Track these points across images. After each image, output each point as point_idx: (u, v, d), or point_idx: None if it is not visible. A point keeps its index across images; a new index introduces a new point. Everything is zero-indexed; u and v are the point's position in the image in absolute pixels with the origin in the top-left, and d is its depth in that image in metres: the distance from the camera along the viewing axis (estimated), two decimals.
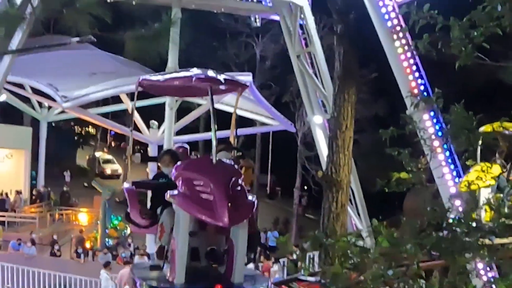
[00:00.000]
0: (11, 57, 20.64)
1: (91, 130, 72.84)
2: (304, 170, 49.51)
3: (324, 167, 25.67)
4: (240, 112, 39.88)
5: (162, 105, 30.15)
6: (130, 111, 36.85)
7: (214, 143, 9.92)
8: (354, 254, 6.37)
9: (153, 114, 37.24)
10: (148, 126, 35.90)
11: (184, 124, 33.38)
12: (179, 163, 10.67)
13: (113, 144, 77.48)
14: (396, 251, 5.62)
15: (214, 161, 9.91)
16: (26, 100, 46.20)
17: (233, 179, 10.01)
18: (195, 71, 10.55)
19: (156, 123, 35.81)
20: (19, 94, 42.81)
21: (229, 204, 9.49)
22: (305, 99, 29.41)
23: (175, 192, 10.03)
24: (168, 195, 10.01)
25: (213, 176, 9.82)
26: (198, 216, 9.75)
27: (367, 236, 6.72)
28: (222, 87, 10.91)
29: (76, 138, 72.13)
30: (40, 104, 46.99)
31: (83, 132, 74.60)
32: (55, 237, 36.53)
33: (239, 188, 10.04)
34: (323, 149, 27.90)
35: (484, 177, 8.63)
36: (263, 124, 41.53)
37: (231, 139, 12.13)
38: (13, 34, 16.91)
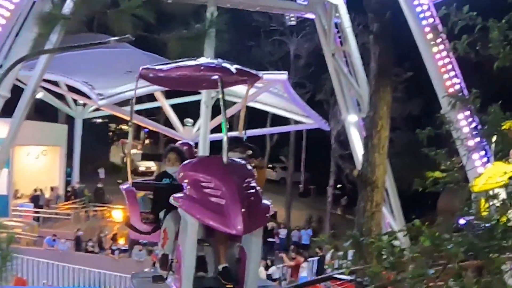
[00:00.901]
0: (48, 55, 20.84)
1: (125, 127, 73.23)
2: (338, 169, 49.44)
3: (357, 165, 25.76)
4: (274, 110, 40.11)
5: (197, 103, 30.27)
6: (164, 109, 37.11)
7: (225, 139, 8.69)
8: (391, 253, 6.41)
9: (188, 112, 37.44)
10: (183, 124, 36.05)
11: (219, 122, 33.40)
12: (185, 162, 9.59)
13: (147, 141, 77.87)
14: (435, 250, 5.65)
15: (225, 160, 8.68)
16: (61, 97, 46.59)
17: (246, 181, 8.89)
18: (203, 60, 9.45)
19: (191, 120, 35.91)
20: (54, 92, 43.14)
21: (243, 209, 8.37)
22: (340, 97, 29.39)
23: (181, 194, 8.93)
24: (172, 198, 8.94)
25: (225, 178, 8.67)
26: (208, 222, 8.61)
27: (404, 235, 6.75)
28: (233, 77, 9.52)
29: (110, 135, 72.64)
30: (75, 101, 47.33)
31: (117, 130, 74.99)
32: (88, 233, 36.86)
33: (253, 191, 8.88)
34: (357, 148, 27.88)
35: (499, 176, 8.61)
36: (297, 122, 41.51)
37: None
38: (51, 33, 17.09)
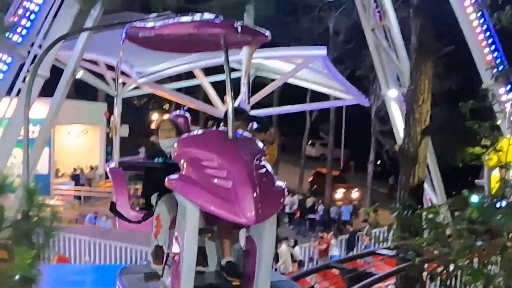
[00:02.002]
0: (87, 34, 20.90)
1: (165, 105, 73.40)
2: (378, 145, 49.24)
3: (398, 141, 25.58)
4: (314, 87, 39.99)
5: (236, 80, 30.23)
6: (203, 86, 37.13)
7: (230, 109, 7.19)
8: (434, 227, 6.35)
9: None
10: (222, 101, 36.07)
11: (258, 99, 33.39)
12: (182, 136, 7.96)
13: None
14: (481, 222, 5.58)
15: (230, 134, 7.19)
16: (100, 76, 46.83)
17: (257, 158, 7.30)
18: (199, 15, 7.58)
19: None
20: (93, 71, 43.34)
21: (254, 193, 6.78)
22: (380, 73, 29.14)
23: (177, 176, 7.26)
24: (167, 180, 7.28)
25: (231, 155, 7.10)
26: (211, 209, 6.89)
27: (448, 209, 6.69)
28: (238, 36, 7.68)
29: (150, 113, 72.86)
30: (114, 80, 47.48)
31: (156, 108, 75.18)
32: None
33: (264, 170, 7.28)
34: (397, 123, 27.66)
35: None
36: (336, 98, 41.35)
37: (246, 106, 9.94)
38: (91, 10, 17.11)
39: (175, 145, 7.61)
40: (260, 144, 7.71)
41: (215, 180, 6.97)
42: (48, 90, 21.15)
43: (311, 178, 55.67)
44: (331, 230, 33.12)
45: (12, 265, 5.73)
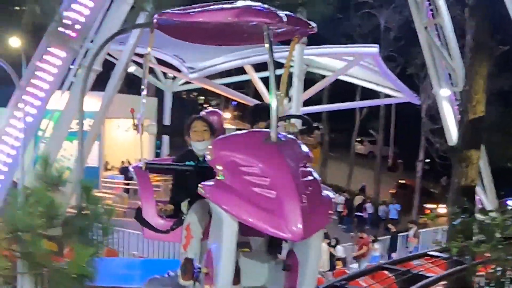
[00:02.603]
0: (140, 29, 21.01)
1: (214, 100, 73.79)
2: (428, 143, 48.81)
3: (448, 140, 25.36)
4: (364, 84, 39.81)
5: (289, 76, 30.21)
6: (254, 82, 37.11)
7: (274, 107, 6.18)
8: (488, 232, 6.26)
9: (277, 85, 37.32)
10: None
11: (309, 95, 33.33)
12: (218, 138, 6.98)
13: (236, 114, 78.33)
14: None
15: (273, 137, 6.20)
16: (151, 70, 47.04)
17: (302, 164, 6.37)
18: (242, 2, 6.74)
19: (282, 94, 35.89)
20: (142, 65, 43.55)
21: (302, 204, 5.86)
22: (432, 71, 28.83)
23: (212, 182, 6.34)
24: (201, 186, 6.38)
25: (275, 160, 6.12)
26: (253, 223, 5.95)
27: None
28: (283, 26, 6.84)
29: (199, 108, 73.23)
30: (164, 74, 47.74)
31: (205, 102, 75.59)
32: None
33: (311, 178, 6.33)
34: (449, 122, 27.37)
35: None
36: (387, 96, 41.12)
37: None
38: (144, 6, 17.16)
39: (210, 147, 6.68)
40: (306, 148, 6.72)
41: (256, 189, 6.01)
42: (99, 84, 21.32)
43: (393, 190, 54.04)
44: (375, 229, 32.90)
45: (62, 260, 5.78)
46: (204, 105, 74.92)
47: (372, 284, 16.44)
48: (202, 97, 75.08)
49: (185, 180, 7.72)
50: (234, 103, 69.88)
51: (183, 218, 7.51)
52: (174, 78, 47.41)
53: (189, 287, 7.29)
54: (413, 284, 13.84)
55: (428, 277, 14.93)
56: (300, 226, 5.78)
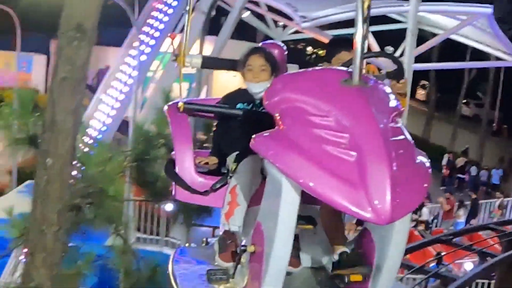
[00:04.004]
0: None
1: (321, 52, 73.67)
2: None
3: None
4: (475, 45, 39.13)
5: (398, 31, 30.05)
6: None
7: (359, 38, 4.16)
8: None
9: (388, 40, 37.17)
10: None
11: (419, 52, 33.03)
12: (281, 76, 5.02)
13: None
14: None
15: (356, 78, 4.24)
16: (261, 17, 47.19)
17: (392, 119, 4.39)
18: None
19: (391, 48, 35.63)
20: (254, 12, 43.71)
21: (392, 174, 3.97)
22: None
23: (270, 134, 4.42)
24: (254, 140, 4.47)
25: (357, 110, 4.20)
26: (323, 195, 4.03)
27: None
28: None
29: (307, 58, 73.23)
30: (275, 22, 47.87)
31: (313, 53, 75.52)
32: None
33: (402, 137, 4.36)
34: None
35: None
36: (498, 59, 40.40)
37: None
38: None
39: (270, 87, 4.80)
40: (395, 97, 4.65)
41: (330, 148, 4.09)
42: (211, 29, 21.70)
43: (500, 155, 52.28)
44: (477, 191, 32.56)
45: None
46: (312, 55, 74.84)
47: (476, 242, 16.49)
48: (310, 48, 74.96)
49: (234, 128, 6.01)
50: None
51: (227, 177, 5.66)
52: (284, 26, 47.47)
53: (231, 269, 5.35)
54: None
55: None
56: (388, 204, 3.89)
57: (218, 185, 5.77)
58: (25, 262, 6.93)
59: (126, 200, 11.18)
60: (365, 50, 4.26)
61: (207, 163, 6.16)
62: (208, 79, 38.25)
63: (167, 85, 20.59)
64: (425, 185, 4.32)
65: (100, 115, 28.66)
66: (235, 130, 5.96)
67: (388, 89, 4.68)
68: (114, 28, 27.55)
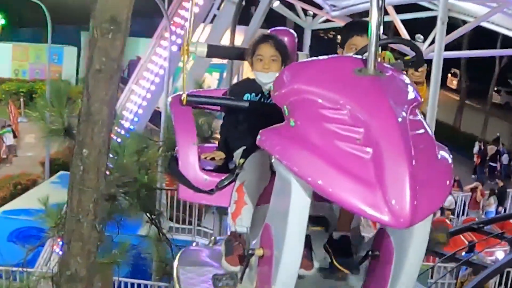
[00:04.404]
0: None
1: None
2: None
3: None
4: (506, 32, 38.87)
5: (427, 19, 29.97)
6: (395, 23, 36.81)
7: (374, 23, 3.73)
8: None
9: (418, 28, 37.02)
10: (413, 39, 35.72)
11: (449, 40, 32.87)
12: (290, 65, 4.53)
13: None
14: None
15: (372, 67, 3.82)
16: (290, 6, 47.15)
17: (411, 111, 3.91)
18: None
19: (421, 37, 35.58)
20: (283, 1, 43.70)
21: (412, 173, 3.47)
22: None
23: (278, 130, 4.01)
24: (260, 135, 4.05)
25: (373, 102, 3.74)
26: (336, 196, 3.53)
27: None
28: None
29: (336, 47, 72.99)
30: (304, 11, 47.80)
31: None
32: None
33: (422, 131, 3.86)
34: None
35: None
36: None
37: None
38: None
39: (277, 78, 4.25)
40: (414, 87, 4.17)
41: (343, 144, 3.65)
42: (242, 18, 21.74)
43: None
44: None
45: None
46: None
47: (508, 231, 16.45)
48: (340, 36, 74.79)
49: (242, 121, 5.56)
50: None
51: (234, 174, 5.24)
52: (314, 15, 47.38)
53: (238, 273, 4.83)
54: None
55: None
56: (408, 205, 3.40)
57: (224, 183, 5.32)
58: (62, 251, 7.05)
59: (159, 189, 11.25)
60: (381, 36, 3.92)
61: (213, 159, 5.71)
62: (239, 68, 38.34)
63: (198, 75, 20.81)
64: (448, 183, 3.85)
65: (132, 106, 28.92)
66: (243, 123, 5.53)
67: (406, 79, 4.27)
68: (144, 19, 27.78)
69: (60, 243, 8.98)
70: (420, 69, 5.07)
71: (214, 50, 6.17)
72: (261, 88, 5.55)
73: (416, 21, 37.27)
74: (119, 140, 9.57)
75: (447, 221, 24.53)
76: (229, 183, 5.27)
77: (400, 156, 3.49)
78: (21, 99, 44.00)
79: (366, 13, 41.13)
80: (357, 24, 5.74)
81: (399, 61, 5.12)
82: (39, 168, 32.07)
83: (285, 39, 5.93)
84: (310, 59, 4.62)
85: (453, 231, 16.31)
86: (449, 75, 64.25)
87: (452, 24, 36.60)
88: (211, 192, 5.36)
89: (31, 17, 46.81)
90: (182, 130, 5.68)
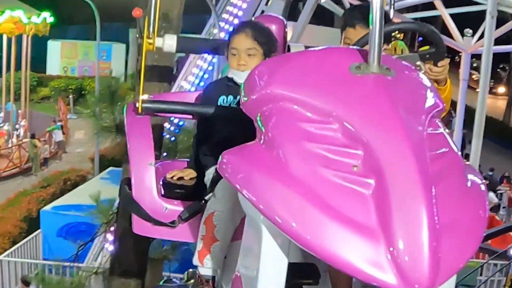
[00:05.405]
0: None
1: (398, 35, 72.69)
2: None
3: None
4: None
5: (477, 13, 29.67)
6: (444, 18, 36.48)
7: (376, 5, 2.59)
8: None
9: (467, 22, 36.65)
10: (462, 35, 35.41)
11: (498, 35, 32.46)
12: (269, 59, 3.82)
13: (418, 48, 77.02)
14: None
15: (375, 62, 2.66)
16: (338, 2, 47.03)
17: (428, 122, 2.67)
18: None
19: (471, 31, 35.25)
20: None
21: (430, 215, 2.29)
22: None
23: (244, 149, 2.77)
24: (220, 162, 2.78)
25: (374, 112, 2.53)
26: (324, 254, 2.31)
27: None
28: None
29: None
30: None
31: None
32: None
33: (443, 149, 2.63)
34: None
35: None
36: None
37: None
38: None
39: (248, 78, 3.06)
40: (433, 88, 3.06)
41: (333, 172, 2.49)
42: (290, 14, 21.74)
43: None
44: None
45: None
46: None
47: None
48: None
49: (216, 131, 4.27)
50: (420, 39, 68.74)
51: (202, 201, 4.00)
52: None
53: None
54: None
55: None
56: (425, 264, 2.28)
57: (188, 214, 4.05)
58: (114, 247, 7.09)
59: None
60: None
61: (181, 178, 4.45)
62: None
63: None
64: (482, 223, 2.61)
65: None
66: (216, 134, 4.22)
67: (422, 77, 3.12)
68: (193, 16, 27.89)
69: (111, 239, 9.04)
70: (440, 64, 3.97)
71: (185, 44, 5.08)
72: (239, 89, 3.39)
73: (465, 16, 36.89)
74: (171, 138, 9.58)
75: (497, 217, 24.29)
76: (194, 214, 4.05)
77: (413, 190, 2.39)
78: (70, 96, 44.30)
79: (414, 7, 41.05)
80: (354, 10, 4.58)
81: (412, 53, 4.06)
82: (89, 164, 32.29)
83: (273, 27, 4.65)
84: (295, 52, 3.88)
85: (504, 228, 16.09)
86: (498, 70, 63.53)
87: (502, 18, 36.22)
88: (172, 225, 4.03)
89: (80, 15, 47.23)
90: (135, 147, 4.34)
